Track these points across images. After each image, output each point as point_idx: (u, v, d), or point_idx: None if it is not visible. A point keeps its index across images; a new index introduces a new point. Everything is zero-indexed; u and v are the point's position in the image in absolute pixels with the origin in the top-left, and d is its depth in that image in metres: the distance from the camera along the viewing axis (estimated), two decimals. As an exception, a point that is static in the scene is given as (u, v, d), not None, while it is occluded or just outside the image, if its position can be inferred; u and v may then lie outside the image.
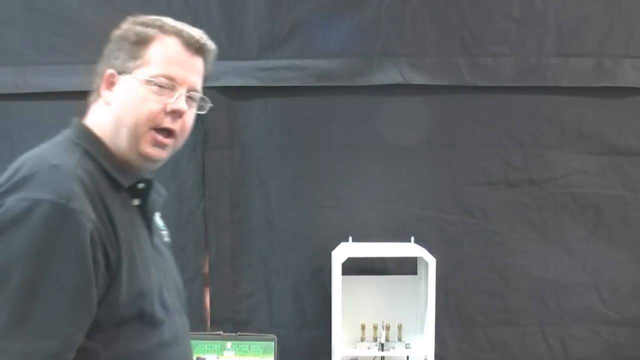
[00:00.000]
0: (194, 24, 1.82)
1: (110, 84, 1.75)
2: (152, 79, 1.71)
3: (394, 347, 3.46)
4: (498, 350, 3.71)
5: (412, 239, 3.54)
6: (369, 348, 3.44)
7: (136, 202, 1.78)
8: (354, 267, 3.40)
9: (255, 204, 3.66)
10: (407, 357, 3.47)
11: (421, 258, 3.36)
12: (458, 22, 3.61)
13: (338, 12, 3.61)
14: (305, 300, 3.65)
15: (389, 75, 3.58)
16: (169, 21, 1.80)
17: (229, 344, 3.38)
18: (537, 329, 3.71)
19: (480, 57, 3.61)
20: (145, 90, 1.71)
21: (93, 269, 1.54)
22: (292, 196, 3.65)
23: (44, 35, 3.60)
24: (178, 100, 1.73)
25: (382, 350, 3.42)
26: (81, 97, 3.57)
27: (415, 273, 3.56)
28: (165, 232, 1.98)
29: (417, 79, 3.59)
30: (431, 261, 3.27)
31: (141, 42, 1.75)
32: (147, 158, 1.74)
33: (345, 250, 3.36)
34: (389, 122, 3.61)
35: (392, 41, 3.60)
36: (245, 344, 3.39)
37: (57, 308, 1.49)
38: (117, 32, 1.80)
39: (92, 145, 1.72)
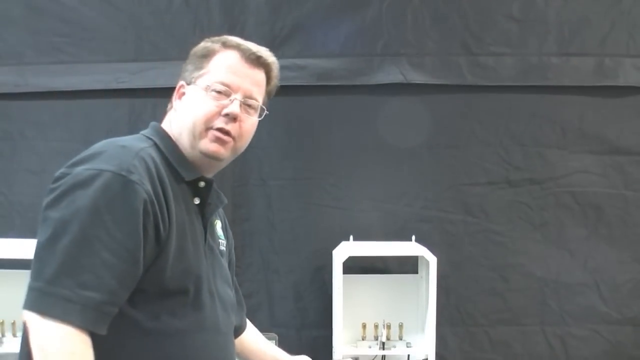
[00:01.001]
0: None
1: (181, 95, 1.95)
2: (210, 85, 1.88)
3: (394, 346, 3.46)
4: (499, 349, 3.71)
5: (413, 238, 3.54)
6: (369, 347, 3.44)
7: (197, 200, 1.89)
8: (354, 266, 3.41)
9: (256, 204, 3.67)
10: (408, 356, 3.48)
11: (422, 257, 3.36)
12: (459, 22, 3.62)
13: (339, 12, 3.62)
14: (306, 300, 3.66)
15: (390, 74, 3.58)
16: (233, 38, 1.96)
17: None
18: (537, 328, 3.71)
19: (481, 57, 3.62)
20: (204, 95, 1.88)
21: (142, 235, 1.66)
22: (293, 196, 3.66)
23: (44, 35, 3.60)
24: (232, 104, 1.87)
25: (383, 349, 3.42)
26: (81, 97, 3.62)
27: (416, 272, 3.57)
28: (222, 242, 2.07)
29: (418, 78, 3.59)
30: (432, 260, 3.27)
31: (205, 56, 1.93)
32: (207, 154, 1.87)
33: (346, 250, 3.36)
34: (390, 121, 3.61)
35: (393, 41, 3.61)
36: None
37: (104, 263, 1.61)
38: (192, 50, 1.98)
39: (162, 141, 1.88)
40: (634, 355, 3.71)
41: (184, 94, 1.93)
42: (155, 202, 1.69)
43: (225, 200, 2.03)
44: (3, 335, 3.44)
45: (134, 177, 1.67)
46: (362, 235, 3.57)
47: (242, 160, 3.63)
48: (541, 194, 3.68)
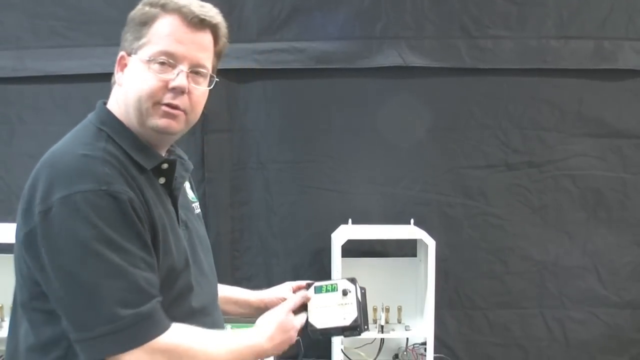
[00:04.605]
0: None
1: (123, 66, 1.79)
2: (152, 58, 1.73)
3: (393, 329, 3.47)
4: (497, 332, 3.73)
5: (412, 221, 3.54)
6: (368, 329, 3.44)
7: (161, 180, 1.81)
8: (353, 249, 3.41)
9: (254, 187, 3.67)
10: (407, 339, 3.48)
11: (421, 240, 3.36)
12: (458, 5, 3.60)
13: (337, -6, 3.61)
14: (305, 282, 3.66)
15: (389, 57, 3.58)
16: (174, 0, 1.78)
17: (228, 326, 3.38)
18: (536, 311, 3.73)
19: (480, 40, 3.61)
20: (146, 69, 1.73)
21: (146, 239, 1.66)
22: (292, 179, 3.66)
23: (43, 18, 3.60)
24: (178, 77, 1.74)
25: (382, 332, 3.42)
26: (79, 80, 3.60)
27: (414, 255, 3.58)
28: (196, 204, 2.03)
29: (416, 61, 3.59)
30: (431, 243, 3.27)
31: (144, 23, 1.76)
32: (158, 130, 1.76)
33: (344, 233, 3.36)
34: (389, 104, 3.61)
35: (392, 23, 3.60)
36: (245, 327, 3.39)
37: (134, 276, 1.61)
38: (129, 15, 1.81)
39: (113, 130, 1.75)
40: (632, 338, 3.73)
41: (125, 65, 1.78)
42: (138, 205, 1.65)
43: (191, 166, 1.97)
44: (3, 320, 3.45)
45: (116, 187, 1.61)
46: (361, 218, 3.58)
47: (241, 144, 3.63)
48: (540, 177, 3.68)
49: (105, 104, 1.84)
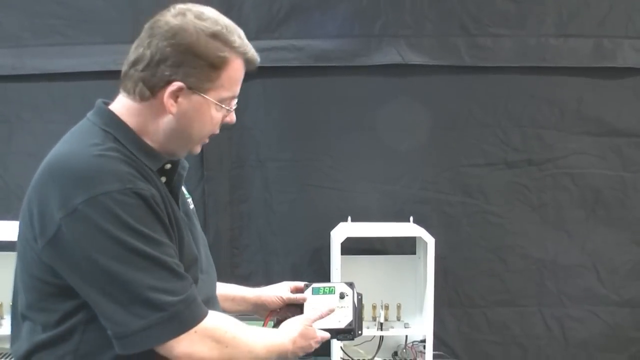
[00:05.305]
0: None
1: (176, 97, 1.74)
2: (225, 104, 1.80)
3: (392, 327, 3.47)
4: (496, 330, 3.73)
5: (411, 219, 3.55)
6: (367, 327, 3.43)
7: (163, 179, 1.83)
8: (353, 247, 3.40)
9: (254, 185, 3.67)
10: (406, 336, 3.49)
11: (420, 238, 3.36)
12: (457, 3, 3.60)
13: (336, -8, 3.61)
14: (304, 281, 3.65)
15: (388, 55, 3.57)
16: (236, 36, 1.78)
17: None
18: (535, 309, 3.73)
19: (479, 38, 3.61)
20: (215, 112, 1.78)
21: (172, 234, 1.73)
22: (291, 177, 3.66)
23: (42, 17, 3.59)
24: (232, 114, 1.85)
25: (381, 329, 3.43)
26: (78, 79, 3.60)
27: (414, 253, 3.58)
28: (190, 199, 2.05)
29: (416, 59, 3.59)
30: (430, 241, 3.27)
31: (218, 67, 1.75)
32: (191, 154, 1.88)
33: (344, 231, 3.36)
34: (388, 102, 3.61)
35: (391, 22, 3.59)
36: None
37: (171, 266, 1.66)
38: (186, 40, 1.72)
39: (119, 133, 1.74)
40: (631, 337, 3.73)
41: (179, 96, 1.73)
42: (160, 201, 1.69)
43: (187, 164, 1.97)
44: (2, 317, 3.45)
45: (140, 185, 1.64)
46: (360, 216, 3.58)
47: (240, 142, 3.63)
48: (539, 176, 3.68)
49: (106, 104, 1.81)
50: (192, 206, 2.04)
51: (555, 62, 3.62)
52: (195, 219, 2.02)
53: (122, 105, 1.78)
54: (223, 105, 1.79)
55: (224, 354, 1.72)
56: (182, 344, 1.65)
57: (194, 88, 1.73)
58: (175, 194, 1.86)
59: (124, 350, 1.62)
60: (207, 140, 1.85)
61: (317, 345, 2.00)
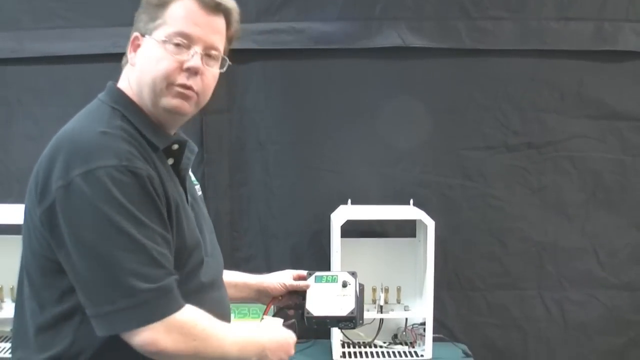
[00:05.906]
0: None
1: (136, 47, 1.82)
2: (167, 39, 1.77)
3: (392, 310, 3.48)
4: (496, 313, 3.73)
5: (411, 202, 3.55)
6: (367, 310, 3.43)
7: (170, 161, 1.85)
8: (353, 229, 3.40)
9: (254, 168, 3.67)
10: (406, 319, 3.50)
11: (420, 221, 3.37)
12: (457, -14, 3.59)
13: (337, -26, 3.59)
14: (304, 264, 3.60)
15: (388, 38, 3.56)
16: None
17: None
18: (535, 292, 3.73)
19: (479, 21, 3.59)
20: (162, 50, 1.77)
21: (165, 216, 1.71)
22: (291, 160, 3.65)
23: (41, 0, 3.58)
24: (193, 58, 1.78)
25: (381, 312, 3.43)
26: (78, 62, 3.59)
27: (414, 236, 3.58)
28: (197, 186, 2.06)
29: (416, 42, 3.58)
30: (430, 224, 3.27)
31: (161, 4, 1.79)
32: (171, 110, 1.80)
33: (344, 213, 3.36)
34: (388, 85, 3.61)
35: (391, 4, 3.58)
36: (244, 307, 3.41)
37: (153, 251, 1.64)
38: None
39: (127, 109, 1.79)
40: (630, 320, 3.74)
41: (139, 46, 1.81)
42: (157, 183, 1.69)
43: (196, 148, 1.99)
44: (2, 301, 3.46)
45: (137, 164, 1.65)
46: (360, 199, 3.58)
47: (240, 125, 3.63)
48: (539, 159, 3.68)
49: (115, 84, 1.86)
50: (200, 193, 2.06)
51: (555, 45, 3.60)
52: (202, 205, 2.03)
53: (123, 79, 1.86)
54: (165, 39, 1.76)
55: (190, 347, 1.67)
56: (145, 334, 1.62)
57: (142, 32, 1.81)
58: (182, 177, 1.88)
59: (98, 331, 1.63)
60: (176, 89, 1.78)
61: (286, 358, 1.97)
